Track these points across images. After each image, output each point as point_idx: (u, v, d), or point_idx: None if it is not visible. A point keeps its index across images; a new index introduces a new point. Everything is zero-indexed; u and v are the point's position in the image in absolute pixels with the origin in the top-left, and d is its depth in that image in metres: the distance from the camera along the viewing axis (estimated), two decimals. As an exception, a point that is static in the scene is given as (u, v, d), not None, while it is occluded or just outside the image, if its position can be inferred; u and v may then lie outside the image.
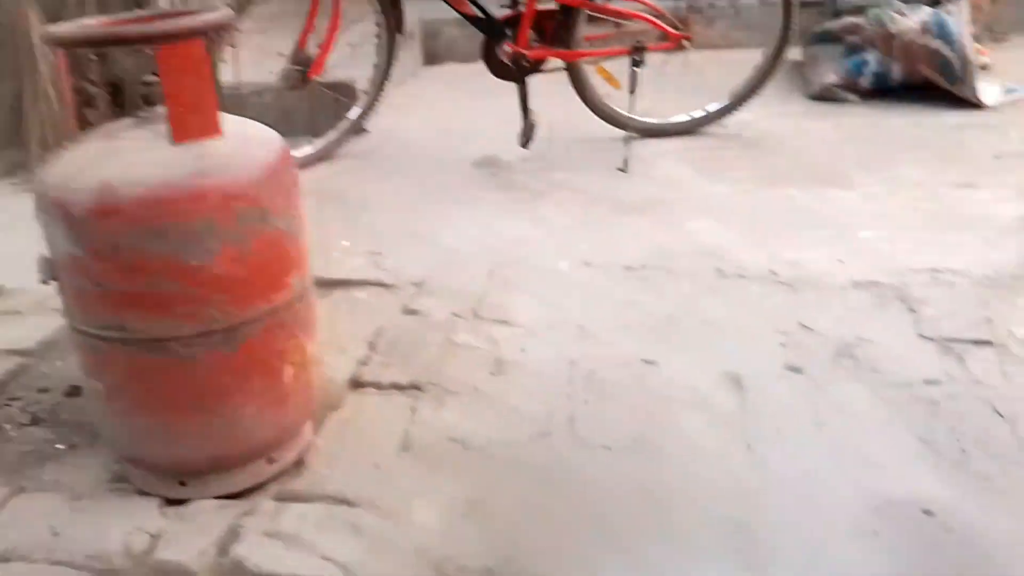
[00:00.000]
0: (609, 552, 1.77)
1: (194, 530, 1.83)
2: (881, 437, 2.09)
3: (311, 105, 4.37)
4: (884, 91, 4.85)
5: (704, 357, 2.43)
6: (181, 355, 1.70)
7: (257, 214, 1.70)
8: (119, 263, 1.62)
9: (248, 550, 1.76)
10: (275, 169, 1.76)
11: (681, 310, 2.69)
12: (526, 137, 4.09)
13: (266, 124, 1.92)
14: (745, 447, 2.06)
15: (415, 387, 2.29)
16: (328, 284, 2.86)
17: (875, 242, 3.13)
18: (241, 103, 3.44)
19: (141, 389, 1.77)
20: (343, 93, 4.35)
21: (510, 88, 4.09)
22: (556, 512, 1.90)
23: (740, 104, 4.36)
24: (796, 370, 2.34)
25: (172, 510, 1.90)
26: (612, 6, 4.06)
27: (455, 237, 3.31)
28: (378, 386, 2.28)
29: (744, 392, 2.26)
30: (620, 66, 4.03)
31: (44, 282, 1.78)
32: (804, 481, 1.96)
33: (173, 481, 1.92)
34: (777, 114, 4.65)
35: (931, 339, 2.47)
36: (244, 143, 1.76)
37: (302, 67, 3.96)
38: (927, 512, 1.86)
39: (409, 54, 5.59)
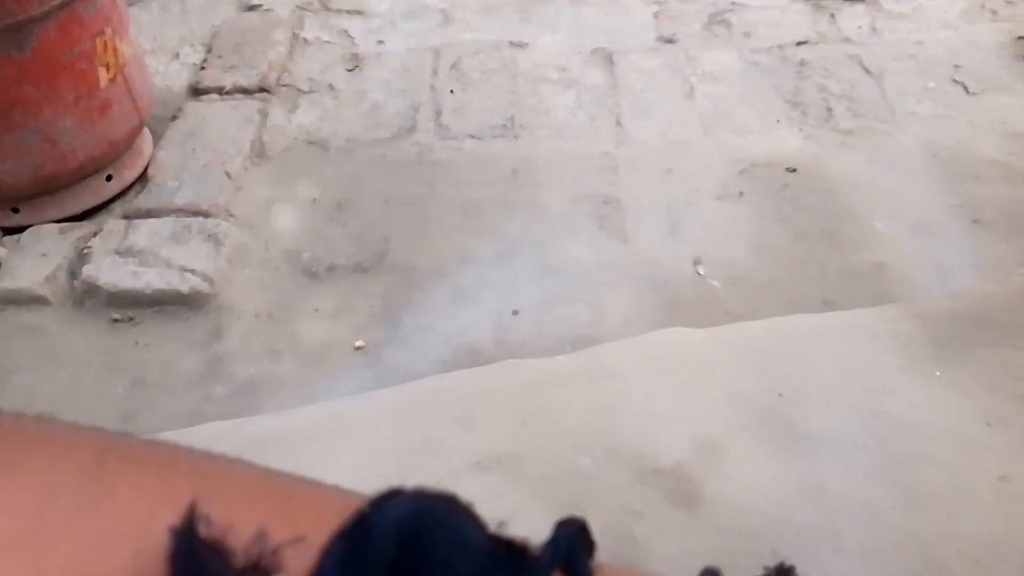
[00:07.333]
0: (478, 234, 1.74)
1: (37, 255, 1.71)
2: (750, 102, 2.06)
3: None
4: None
5: (575, 35, 2.28)
6: (-35, 63, 1.46)
7: None
8: None
9: (100, 270, 1.67)
10: None
11: (551, -13, 2.49)
12: None
13: None
14: (615, 123, 2.00)
15: (263, 90, 2.09)
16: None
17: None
18: None
19: (-68, 108, 1.54)
20: None
21: None
22: (424, 204, 1.85)
23: None
24: (669, 41, 2.24)
25: (10, 239, 1.76)
26: None
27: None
28: (221, 91, 2.07)
29: (615, 67, 2.16)
30: None
31: None
32: (673, 152, 1.93)
33: (4, 209, 1.76)
34: None
35: (805, -1, 2.37)
36: None
37: None
38: (790, 170, 1.89)
39: None
